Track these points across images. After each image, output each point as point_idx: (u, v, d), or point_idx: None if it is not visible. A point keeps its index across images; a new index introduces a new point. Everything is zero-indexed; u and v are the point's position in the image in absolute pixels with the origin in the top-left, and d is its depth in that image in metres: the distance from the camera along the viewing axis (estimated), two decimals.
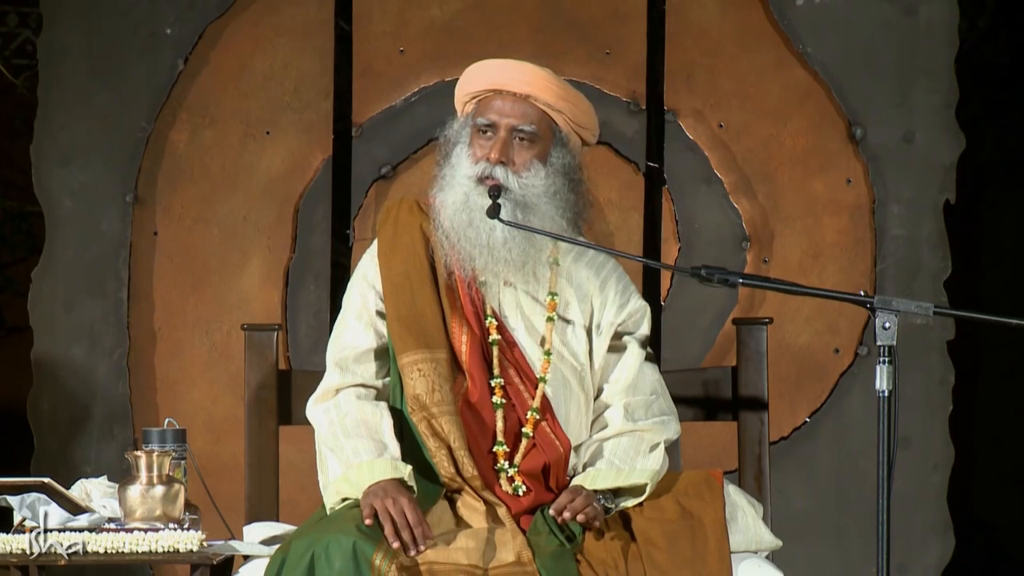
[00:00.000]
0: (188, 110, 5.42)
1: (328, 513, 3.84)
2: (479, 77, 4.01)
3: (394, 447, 3.86)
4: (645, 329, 4.07)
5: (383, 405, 3.94)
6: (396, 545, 3.65)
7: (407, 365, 3.91)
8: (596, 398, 4.02)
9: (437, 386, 3.89)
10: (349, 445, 3.85)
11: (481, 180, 3.93)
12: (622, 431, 3.95)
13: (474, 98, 4.02)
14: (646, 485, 3.88)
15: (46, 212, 5.40)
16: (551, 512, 3.79)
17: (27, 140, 5.45)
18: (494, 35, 5.39)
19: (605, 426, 3.99)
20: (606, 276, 4.07)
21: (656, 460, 3.92)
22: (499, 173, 3.92)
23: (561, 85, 3.99)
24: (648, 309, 4.09)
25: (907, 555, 5.32)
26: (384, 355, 4.00)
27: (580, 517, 3.76)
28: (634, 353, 4.02)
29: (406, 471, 3.79)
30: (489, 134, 3.96)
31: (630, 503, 3.88)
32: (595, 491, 3.85)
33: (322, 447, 3.92)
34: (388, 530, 3.67)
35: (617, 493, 3.89)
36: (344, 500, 3.83)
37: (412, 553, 3.66)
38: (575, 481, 3.90)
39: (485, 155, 3.94)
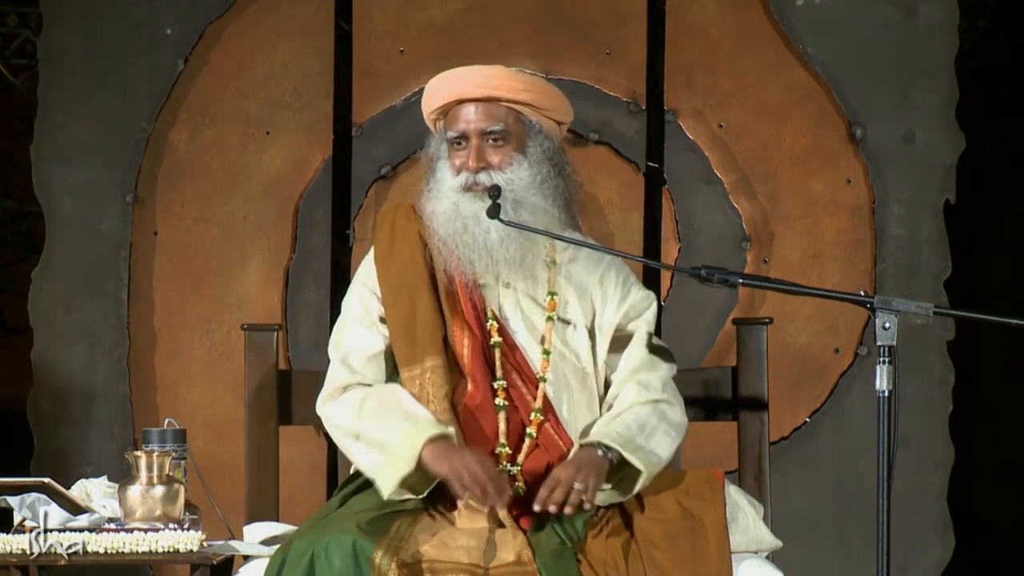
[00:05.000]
0: (188, 110, 5.42)
1: (386, 501, 3.80)
2: (438, 92, 4.02)
3: (425, 412, 3.85)
4: (650, 315, 4.05)
5: (396, 385, 3.93)
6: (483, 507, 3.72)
7: (407, 380, 3.92)
8: (606, 394, 4.01)
9: (434, 396, 3.89)
10: (378, 424, 3.84)
11: (467, 189, 3.94)
12: (636, 402, 3.93)
13: (441, 113, 4.03)
14: (653, 455, 3.86)
15: (46, 212, 5.40)
16: (536, 507, 3.76)
17: (27, 140, 5.45)
18: (494, 35, 5.39)
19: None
20: (604, 271, 4.07)
21: (667, 447, 3.89)
22: (483, 178, 3.94)
23: (518, 78, 3.99)
24: (653, 297, 4.07)
25: (907, 555, 5.32)
26: (387, 358, 4.01)
27: (568, 510, 3.74)
28: (642, 339, 4.01)
29: (448, 429, 3.80)
30: (463, 144, 3.97)
31: (628, 491, 3.86)
32: (600, 443, 3.83)
33: (345, 440, 3.90)
34: (477, 493, 3.70)
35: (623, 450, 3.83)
36: (403, 480, 3.78)
37: (496, 506, 3.72)
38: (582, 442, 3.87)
39: (464, 165, 3.95)
